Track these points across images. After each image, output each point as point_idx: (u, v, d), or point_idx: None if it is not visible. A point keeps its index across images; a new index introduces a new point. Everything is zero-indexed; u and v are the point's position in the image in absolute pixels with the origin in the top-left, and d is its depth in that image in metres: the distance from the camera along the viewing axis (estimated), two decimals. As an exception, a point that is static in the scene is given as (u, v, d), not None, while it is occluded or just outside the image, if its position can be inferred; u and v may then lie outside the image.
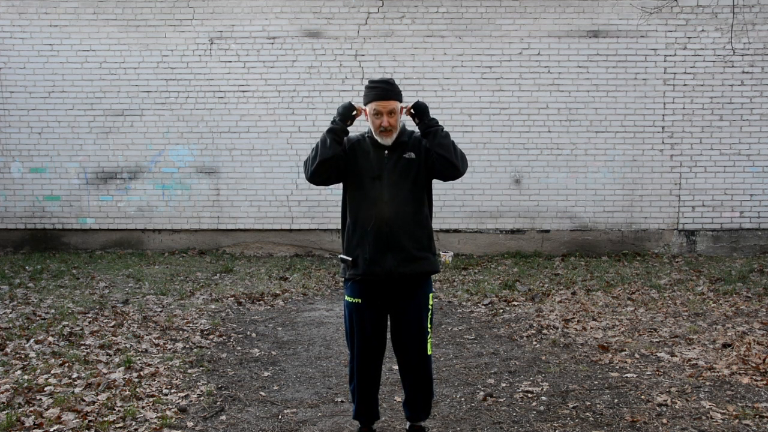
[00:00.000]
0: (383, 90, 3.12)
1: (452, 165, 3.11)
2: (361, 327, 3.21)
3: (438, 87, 8.95)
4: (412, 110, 3.19)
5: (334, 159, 3.13)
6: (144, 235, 9.24)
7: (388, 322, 3.29)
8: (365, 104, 3.18)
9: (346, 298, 3.25)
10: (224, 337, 5.26)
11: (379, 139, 3.17)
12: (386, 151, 3.19)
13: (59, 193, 9.17)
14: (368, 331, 3.21)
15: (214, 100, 9.02)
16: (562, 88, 8.92)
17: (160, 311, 5.99)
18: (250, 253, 9.15)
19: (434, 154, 3.10)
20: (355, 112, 3.19)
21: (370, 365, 3.26)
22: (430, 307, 3.24)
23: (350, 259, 3.19)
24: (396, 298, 3.19)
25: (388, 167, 3.17)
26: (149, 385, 4.13)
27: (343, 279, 3.33)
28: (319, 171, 3.15)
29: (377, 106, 3.12)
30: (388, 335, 3.31)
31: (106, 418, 3.58)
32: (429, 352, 3.25)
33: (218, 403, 3.90)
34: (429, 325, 3.24)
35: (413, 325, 3.19)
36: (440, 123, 3.19)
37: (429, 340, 3.24)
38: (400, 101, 3.18)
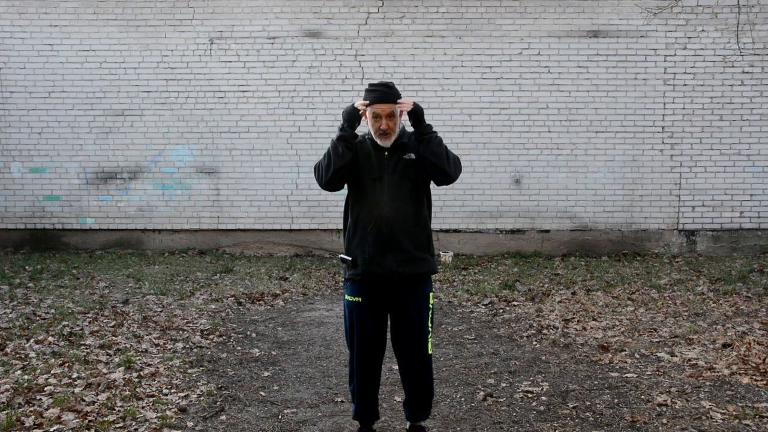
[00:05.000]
0: (382, 93, 3.13)
1: (444, 172, 3.13)
2: (361, 326, 3.21)
3: (438, 87, 8.95)
4: (407, 112, 3.18)
5: (347, 166, 3.14)
6: (144, 235, 9.24)
7: (388, 322, 3.29)
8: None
9: (347, 297, 3.26)
10: (224, 337, 5.26)
11: (378, 142, 3.18)
12: (386, 153, 3.20)
13: (59, 193, 9.17)
14: (368, 331, 3.21)
15: (214, 100, 9.02)
16: (562, 88, 8.92)
17: (160, 311, 5.99)
18: (250, 253, 9.15)
19: (427, 160, 3.12)
20: (360, 112, 3.17)
21: (370, 365, 3.26)
22: (430, 306, 3.25)
23: (350, 259, 3.19)
24: (396, 297, 3.20)
25: (388, 169, 3.18)
26: (149, 385, 4.13)
27: (343, 279, 3.34)
28: (334, 179, 3.16)
29: (376, 109, 3.13)
30: (388, 335, 3.31)
31: (106, 418, 3.58)
32: (429, 352, 3.25)
33: (218, 403, 3.90)
34: (429, 325, 3.24)
35: (413, 325, 3.20)
36: (435, 129, 3.20)
37: (429, 340, 3.24)
38: (400, 104, 3.20)
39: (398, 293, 3.19)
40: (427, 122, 3.19)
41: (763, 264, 8.12)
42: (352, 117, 3.16)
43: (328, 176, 3.14)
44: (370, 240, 3.15)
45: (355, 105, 3.17)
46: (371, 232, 3.15)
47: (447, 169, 3.12)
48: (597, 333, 5.29)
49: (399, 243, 3.14)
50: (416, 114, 3.17)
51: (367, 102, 3.15)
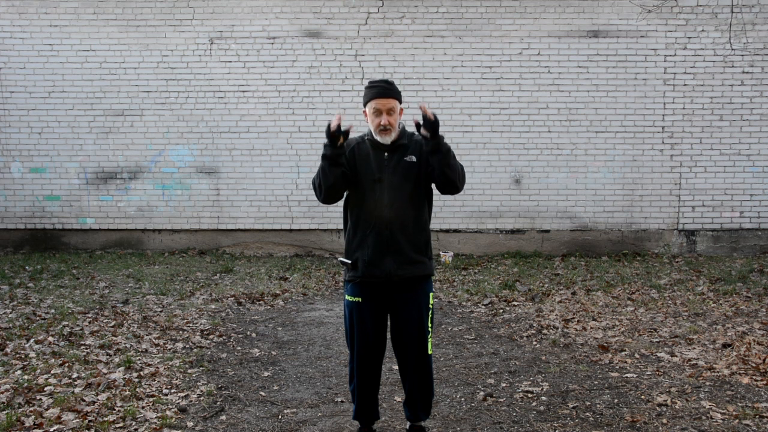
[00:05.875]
0: (382, 89, 3.13)
1: (454, 186, 3.14)
2: (362, 326, 3.21)
3: (438, 87, 8.95)
4: (430, 118, 3.02)
5: (339, 181, 3.12)
6: (144, 235, 9.24)
7: (388, 322, 3.29)
8: (365, 104, 3.18)
9: (347, 297, 3.26)
10: (224, 337, 5.26)
11: (378, 138, 3.17)
12: (386, 153, 3.19)
13: (59, 193, 9.17)
14: (368, 331, 3.21)
15: (214, 100, 9.02)
16: (562, 88, 8.92)
17: (160, 311, 5.99)
18: (250, 253, 9.15)
19: (439, 171, 3.08)
20: (342, 131, 3.02)
21: (370, 365, 3.26)
22: (430, 306, 3.25)
23: (349, 262, 3.19)
24: (396, 297, 3.20)
25: (388, 170, 3.17)
26: (149, 385, 4.13)
27: (344, 280, 3.34)
28: (329, 195, 3.16)
29: (377, 104, 3.12)
30: (388, 335, 3.31)
31: (106, 418, 3.58)
32: (429, 352, 3.25)
33: (218, 403, 3.90)
34: (429, 325, 3.24)
35: (414, 325, 3.20)
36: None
37: (429, 340, 3.24)
38: (400, 101, 3.19)
39: (398, 293, 3.19)
40: None
41: (763, 264, 8.12)
42: (333, 135, 3.01)
43: (324, 194, 3.15)
44: (369, 242, 3.15)
45: (331, 124, 3.01)
46: (371, 235, 3.15)
47: (458, 183, 3.14)
48: (597, 333, 5.29)
49: (398, 245, 3.14)
50: (437, 125, 3.05)
51: (341, 117, 3.05)
